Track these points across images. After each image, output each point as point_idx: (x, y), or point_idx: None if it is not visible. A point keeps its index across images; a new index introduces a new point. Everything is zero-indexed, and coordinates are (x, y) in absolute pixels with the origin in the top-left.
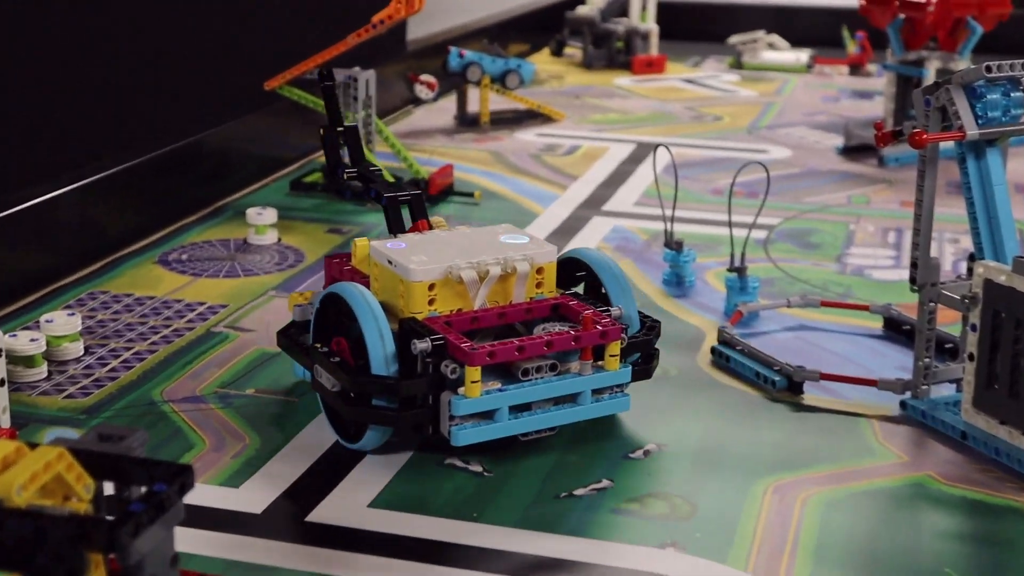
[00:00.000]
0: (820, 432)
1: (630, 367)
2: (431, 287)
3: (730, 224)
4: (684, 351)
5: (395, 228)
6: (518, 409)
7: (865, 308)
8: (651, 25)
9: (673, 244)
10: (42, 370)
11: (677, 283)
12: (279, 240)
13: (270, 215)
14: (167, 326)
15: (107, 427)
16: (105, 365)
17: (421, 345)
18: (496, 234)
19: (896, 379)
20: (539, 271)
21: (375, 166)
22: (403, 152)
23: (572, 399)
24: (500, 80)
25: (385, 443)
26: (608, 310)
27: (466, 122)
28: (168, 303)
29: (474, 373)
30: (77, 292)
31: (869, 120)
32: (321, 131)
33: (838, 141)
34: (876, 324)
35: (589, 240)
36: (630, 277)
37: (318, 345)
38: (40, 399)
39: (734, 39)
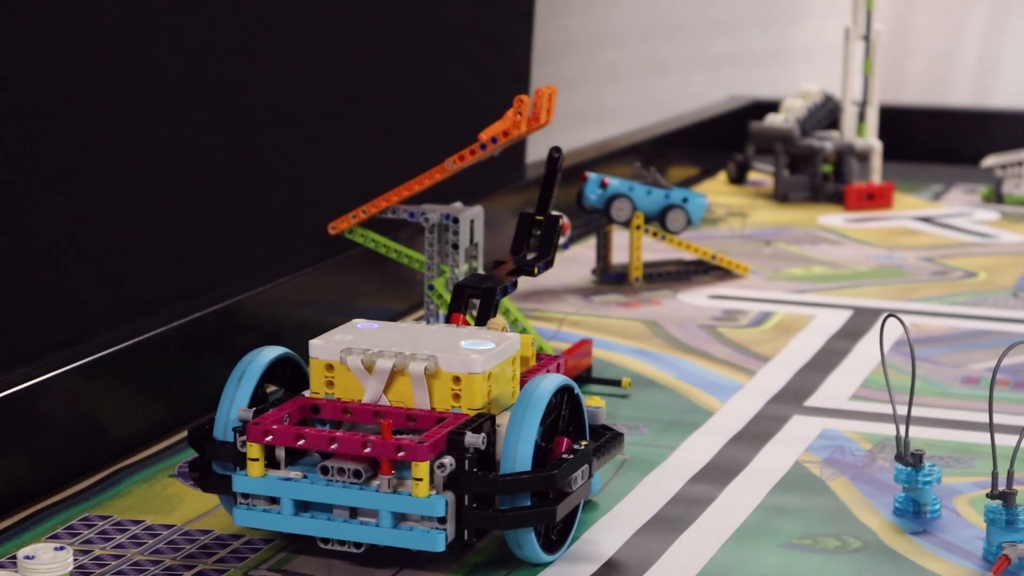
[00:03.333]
0: None
1: (443, 500)
2: (329, 367)
3: (991, 428)
4: None
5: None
6: (319, 510)
7: None
8: (872, 141)
9: (909, 457)
10: None
11: (915, 513)
12: None
13: None
14: (189, 567)
15: None
16: None
17: (239, 415)
18: (464, 335)
19: None
20: (456, 380)
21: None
22: (520, 319)
23: (376, 517)
24: (658, 219)
25: None
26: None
27: (610, 278)
28: (191, 535)
29: (254, 450)
30: (67, 517)
31: None
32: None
33: None
34: None
35: (789, 448)
36: (845, 502)
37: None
38: None
39: (991, 161)
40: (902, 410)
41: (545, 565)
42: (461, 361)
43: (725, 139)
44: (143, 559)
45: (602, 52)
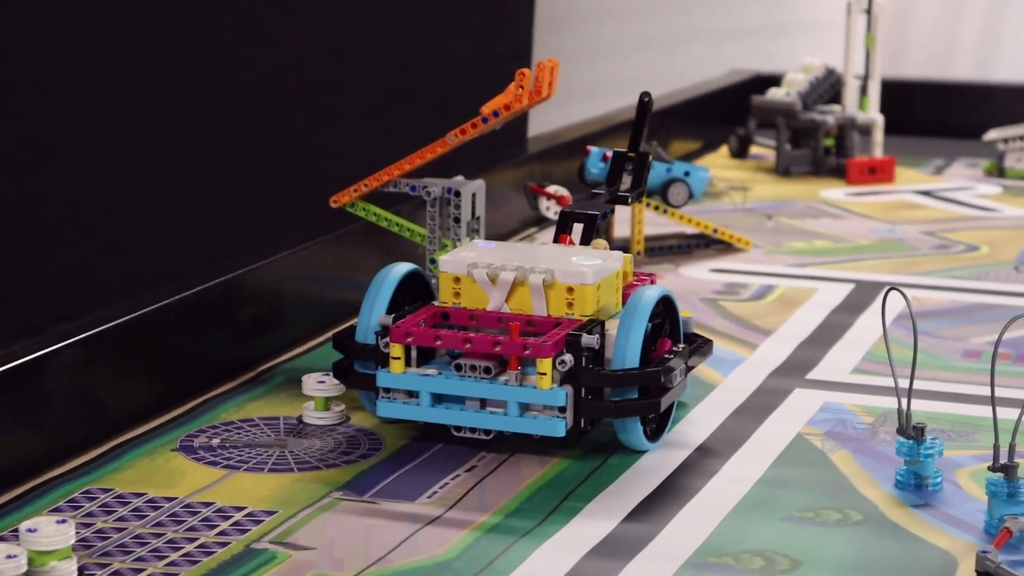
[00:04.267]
0: None
1: (563, 392)
2: (456, 280)
3: (993, 402)
4: None
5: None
6: (453, 402)
7: None
8: (874, 115)
9: (910, 430)
10: None
11: (916, 486)
12: (347, 419)
13: (335, 384)
14: (191, 539)
15: None
16: None
17: (380, 320)
18: (573, 252)
19: None
20: (570, 290)
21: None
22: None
23: (504, 407)
24: (660, 193)
25: None
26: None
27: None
28: (192, 507)
29: (396, 350)
30: (69, 490)
31: None
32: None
33: None
34: None
35: (791, 421)
36: (846, 475)
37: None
38: None
39: (992, 135)
40: (904, 383)
41: (643, 453)
42: (575, 273)
43: (727, 113)
44: (145, 532)
45: (604, 26)
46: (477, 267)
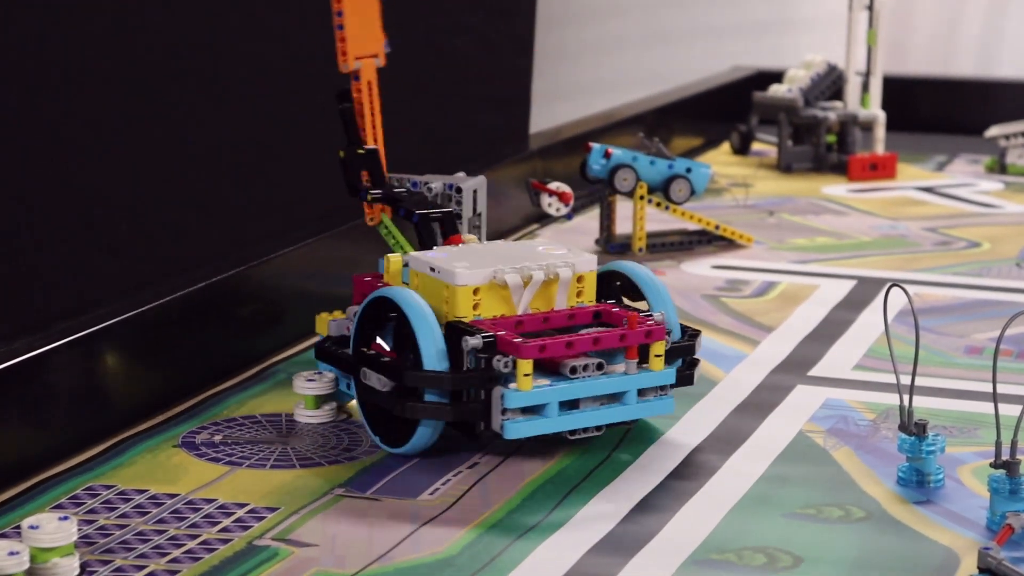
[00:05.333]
0: None
1: (673, 370)
2: (475, 292)
3: (995, 398)
4: None
5: (429, 245)
6: (565, 407)
7: None
8: (876, 111)
9: (912, 427)
10: None
11: (918, 483)
12: (348, 416)
13: (327, 382)
14: (193, 536)
15: None
16: None
17: (472, 341)
18: (533, 246)
19: None
20: (579, 279)
21: (399, 185)
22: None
23: (617, 399)
24: (662, 190)
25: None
26: (651, 314)
27: (614, 248)
28: (195, 504)
29: (526, 366)
30: (71, 487)
31: None
32: (341, 153)
33: None
34: None
35: (792, 418)
36: (848, 472)
37: (364, 349)
38: None
39: (994, 131)
40: (906, 380)
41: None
42: (584, 262)
43: (729, 109)
44: (147, 528)
45: (606, 22)
46: (506, 272)
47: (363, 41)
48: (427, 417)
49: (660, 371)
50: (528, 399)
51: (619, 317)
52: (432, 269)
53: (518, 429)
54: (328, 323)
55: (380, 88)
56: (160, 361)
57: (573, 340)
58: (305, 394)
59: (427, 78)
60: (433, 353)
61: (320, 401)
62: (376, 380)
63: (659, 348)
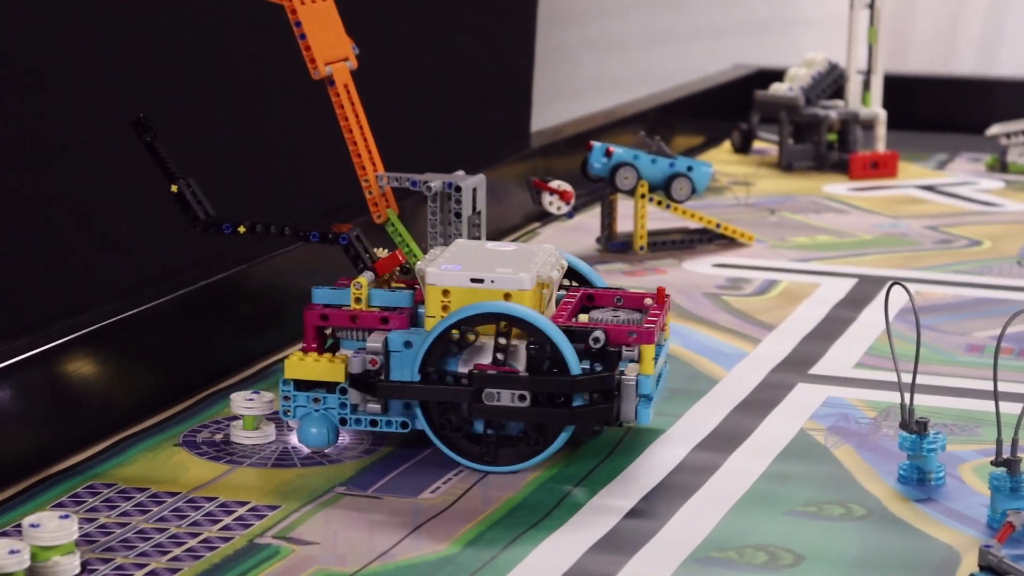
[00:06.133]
0: None
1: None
2: (445, 293)
3: (996, 396)
4: None
5: (365, 263)
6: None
7: None
8: (877, 110)
9: (913, 425)
10: None
11: (919, 481)
12: (284, 445)
13: (265, 402)
14: (194, 534)
15: None
16: None
17: (598, 334)
18: (488, 246)
19: None
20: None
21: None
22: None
23: None
24: (663, 188)
25: None
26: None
27: (615, 247)
28: (196, 502)
29: (650, 351)
30: (72, 485)
31: None
32: (174, 189)
33: None
34: None
35: (793, 416)
36: (849, 470)
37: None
38: None
39: (995, 129)
40: (907, 378)
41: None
42: (554, 255)
43: (730, 108)
44: (148, 527)
45: (607, 21)
46: (546, 271)
47: (329, 47)
48: (594, 421)
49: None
50: (652, 383)
51: (639, 297)
52: (476, 281)
53: (647, 414)
54: (350, 360)
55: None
56: (161, 360)
57: (655, 320)
58: (244, 414)
59: (429, 77)
60: (574, 358)
61: (258, 421)
62: (510, 397)
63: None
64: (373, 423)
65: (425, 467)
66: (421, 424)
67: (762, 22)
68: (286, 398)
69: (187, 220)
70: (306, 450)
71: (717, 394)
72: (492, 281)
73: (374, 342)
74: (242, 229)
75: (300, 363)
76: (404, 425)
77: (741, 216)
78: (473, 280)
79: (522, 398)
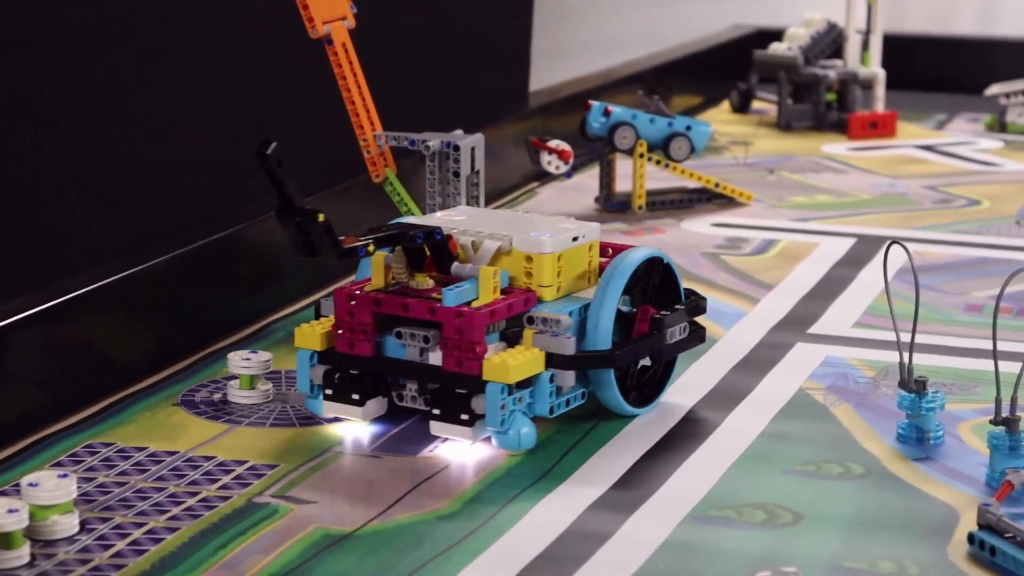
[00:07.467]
0: None
1: None
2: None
3: (995, 355)
4: (929, 539)
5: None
6: None
7: None
8: (876, 70)
9: (912, 384)
10: (22, 553)
11: (918, 440)
12: (283, 403)
13: (262, 362)
14: (192, 494)
15: None
16: (108, 547)
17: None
18: (469, 210)
19: None
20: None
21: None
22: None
23: None
24: (662, 148)
25: None
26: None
27: (613, 206)
28: (194, 461)
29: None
30: (71, 444)
31: None
32: (321, 218)
33: None
34: None
35: (792, 375)
36: (848, 429)
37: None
38: None
39: (995, 89)
40: (905, 337)
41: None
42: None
43: (729, 68)
44: (147, 486)
45: None
46: (581, 232)
47: (327, 6)
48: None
49: None
50: None
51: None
52: (575, 239)
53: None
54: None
55: (379, 47)
56: (159, 319)
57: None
58: (241, 373)
59: (427, 36)
60: (599, 330)
61: (255, 381)
62: (678, 331)
63: None
64: (567, 403)
65: (423, 427)
66: (603, 389)
67: None
68: (502, 407)
69: (329, 248)
70: (310, 413)
71: (716, 353)
72: (583, 236)
73: (564, 322)
74: (372, 248)
75: (506, 366)
76: (584, 395)
77: (740, 176)
78: (574, 239)
79: (683, 329)
